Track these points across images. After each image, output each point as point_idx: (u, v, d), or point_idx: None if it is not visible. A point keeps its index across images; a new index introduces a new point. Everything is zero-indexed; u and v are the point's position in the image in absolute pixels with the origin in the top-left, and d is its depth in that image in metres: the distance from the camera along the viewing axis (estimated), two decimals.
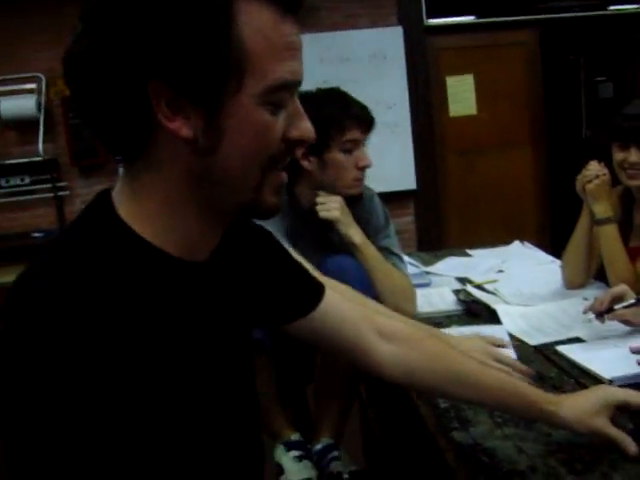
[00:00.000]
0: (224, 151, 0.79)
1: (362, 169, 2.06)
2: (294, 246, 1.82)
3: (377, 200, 2.23)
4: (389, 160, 5.30)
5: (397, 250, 2.18)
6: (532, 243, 3.00)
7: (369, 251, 2.04)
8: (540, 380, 1.57)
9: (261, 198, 0.84)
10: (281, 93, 0.80)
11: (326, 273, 1.94)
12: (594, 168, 2.17)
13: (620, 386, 1.48)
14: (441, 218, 5.58)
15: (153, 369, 0.77)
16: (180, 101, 0.76)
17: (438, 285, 2.43)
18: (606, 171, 2.16)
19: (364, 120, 2.05)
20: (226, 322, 0.94)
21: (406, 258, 2.81)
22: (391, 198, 5.36)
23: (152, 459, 0.76)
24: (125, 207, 0.83)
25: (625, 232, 2.23)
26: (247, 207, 0.85)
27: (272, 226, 1.20)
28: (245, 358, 1.02)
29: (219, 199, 0.83)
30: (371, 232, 2.13)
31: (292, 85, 0.81)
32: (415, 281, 2.41)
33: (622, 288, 1.81)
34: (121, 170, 0.88)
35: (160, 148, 0.80)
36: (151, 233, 0.82)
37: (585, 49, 6.53)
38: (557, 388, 1.53)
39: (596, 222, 2.12)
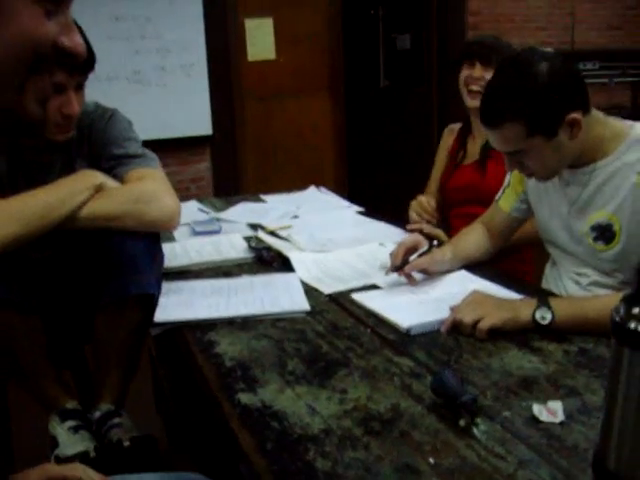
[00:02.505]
0: None
1: (68, 117, 1.76)
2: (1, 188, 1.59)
3: (117, 118, 1.93)
4: (184, 104, 5.08)
5: (139, 150, 1.89)
6: (329, 190, 2.91)
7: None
8: (335, 331, 1.46)
9: (23, 102, 0.79)
10: None
11: (106, 255, 1.72)
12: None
13: (416, 334, 1.41)
14: (238, 165, 5.42)
15: None
16: None
17: (229, 232, 2.26)
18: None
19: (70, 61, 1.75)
20: None
21: (197, 204, 2.64)
22: (186, 143, 5.16)
23: None
24: None
25: (458, 155, 2.51)
26: (8, 112, 0.80)
27: None
28: None
29: None
30: (104, 147, 1.87)
31: None
32: (203, 228, 2.24)
33: (413, 239, 1.79)
34: None
35: None
36: None
37: (385, 2, 6.60)
38: (353, 339, 1.41)
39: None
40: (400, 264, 1.72)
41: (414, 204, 2.32)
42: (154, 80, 5.03)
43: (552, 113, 1.50)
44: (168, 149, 5.06)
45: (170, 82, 5.05)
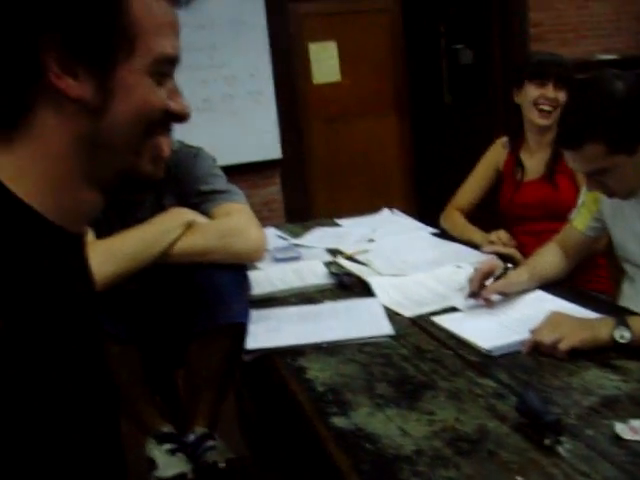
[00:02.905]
0: (111, 114, 0.81)
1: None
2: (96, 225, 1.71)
3: (202, 156, 2.03)
4: (253, 129, 5.20)
5: (224, 186, 2.00)
6: (400, 210, 2.98)
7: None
8: (419, 354, 1.52)
9: (140, 163, 0.86)
10: (166, 66, 0.84)
11: (197, 287, 1.83)
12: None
13: (498, 356, 1.46)
14: (307, 186, 5.53)
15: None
16: (71, 60, 0.77)
17: (309, 258, 2.34)
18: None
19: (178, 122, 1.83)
20: (85, 302, 0.91)
21: (274, 231, 2.73)
22: (257, 167, 5.28)
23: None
24: (2, 167, 0.80)
25: (517, 172, 2.52)
26: (127, 174, 0.86)
27: None
28: (99, 343, 0.95)
29: (101, 164, 0.84)
30: (191, 184, 1.96)
31: (175, 60, 0.86)
32: (284, 255, 2.33)
33: (489, 264, 1.82)
34: None
35: (44, 110, 0.79)
36: (29, 196, 0.80)
37: (445, 17, 6.63)
38: (437, 361, 1.48)
39: None
40: (477, 290, 1.76)
41: (494, 238, 2.32)
42: (223, 107, 5.17)
43: (631, 131, 1.54)
44: (239, 174, 5.18)
45: (239, 108, 5.19)
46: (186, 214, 1.84)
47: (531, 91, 2.40)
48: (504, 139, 2.64)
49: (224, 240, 1.82)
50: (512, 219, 2.54)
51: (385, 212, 2.92)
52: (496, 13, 5.91)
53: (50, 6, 0.75)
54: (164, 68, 0.84)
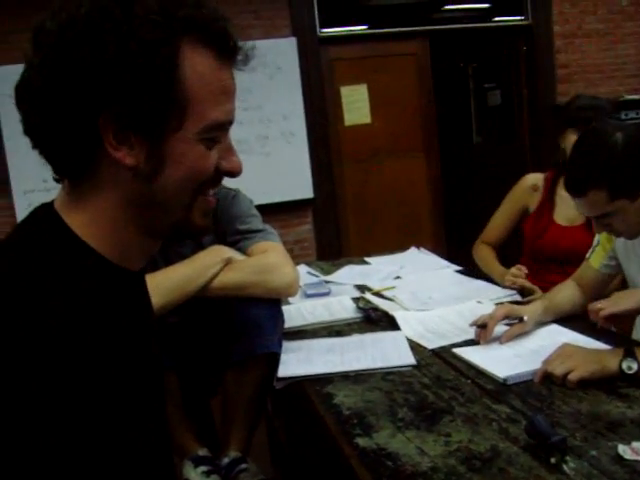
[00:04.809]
0: (162, 179, 0.86)
1: None
2: (152, 262, 1.84)
3: (240, 197, 2.18)
4: (286, 170, 5.35)
5: (260, 226, 2.13)
6: (428, 249, 3.09)
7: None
8: (439, 382, 1.63)
9: (191, 218, 0.92)
10: (217, 131, 0.88)
11: (235, 319, 1.95)
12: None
13: (512, 384, 1.57)
14: (339, 226, 5.64)
15: (100, 375, 0.81)
16: (126, 133, 0.83)
17: (338, 294, 2.47)
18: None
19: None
20: (149, 333, 0.99)
21: (306, 268, 2.86)
22: (289, 207, 5.41)
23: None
24: (71, 218, 0.88)
25: (549, 211, 2.58)
26: (179, 226, 0.92)
27: None
28: (160, 372, 1.05)
29: (155, 219, 0.90)
30: (229, 223, 2.10)
31: (227, 124, 0.89)
32: (315, 291, 2.45)
33: (503, 310, 1.89)
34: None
35: (104, 172, 0.86)
36: (95, 242, 0.88)
37: (473, 58, 6.77)
38: (455, 389, 1.59)
39: None
40: (479, 325, 1.86)
41: (515, 272, 2.37)
42: (258, 148, 5.31)
43: (631, 178, 1.65)
44: (272, 213, 5.32)
45: (273, 149, 5.33)
46: (225, 251, 1.98)
47: (572, 137, 2.41)
48: (534, 179, 2.69)
49: (260, 276, 1.95)
50: (545, 262, 2.56)
51: (412, 250, 3.03)
52: (523, 55, 6.05)
53: (109, 86, 0.80)
54: (216, 133, 0.88)
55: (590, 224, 2.41)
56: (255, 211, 2.16)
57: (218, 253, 1.96)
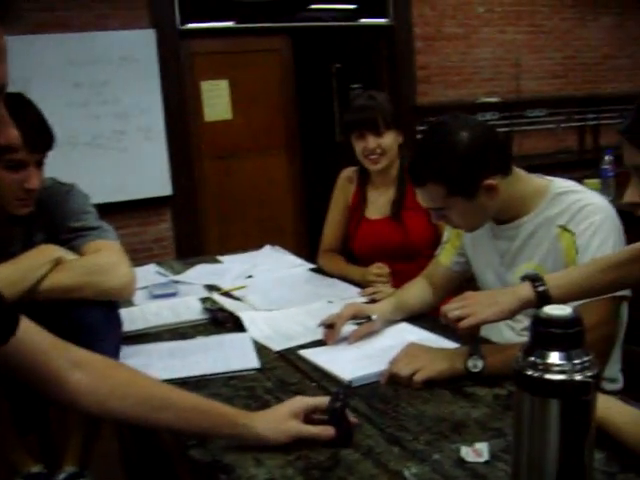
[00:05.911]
0: None
1: (29, 191, 1.86)
2: None
3: (74, 192, 2.01)
4: (143, 166, 5.18)
5: (95, 223, 1.96)
6: (290, 247, 3.01)
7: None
8: (283, 386, 1.55)
9: None
10: None
11: (69, 324, 1.80)
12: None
13: (357, 386, 1.51)
14: (199, 224, 5.52)
15: None
16: None
17: (186, 294, 2.35)
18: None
19: (30, 141, 1.82)
20: None
21: (155, 267, 2.72)
22: (147, 204, 5.24)
23: None
24: None
25: (361, 207, 2.57)
26: None
27: None
28: None
29: None
30: (61, 220, 1.94)
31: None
32: (161, 291, 2.33)
33: (351, 310, 1.85)
34: None
35: None
36: None
37: (338, 58, 6.80)
38: (299, 393, 1.51)
39: None
40: (327, 324, 1.81)
41: (375, 270, 2.32)
42: (114, 144, 5.13)
43: (469, 178, 1.63)
44: (130, 210, 5.14)
45: (129, 145, 5.16)
46: (54, 251, 1.82)
47: (355, 144, 2.45)
48: (349, 171, 2.66)
49: (92, 277, 1.80)
50: (364, 259, 2.49)
51: (266, 248, 2.95)
52: (385, 55, 6.13)
53: None
54: None
55: (397, 213, 2.45)
56: (91, 207, 2.00)
57: (46, 253, 1.80)
